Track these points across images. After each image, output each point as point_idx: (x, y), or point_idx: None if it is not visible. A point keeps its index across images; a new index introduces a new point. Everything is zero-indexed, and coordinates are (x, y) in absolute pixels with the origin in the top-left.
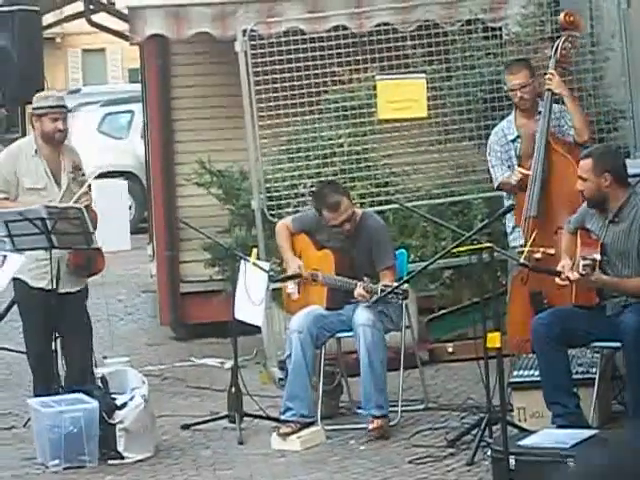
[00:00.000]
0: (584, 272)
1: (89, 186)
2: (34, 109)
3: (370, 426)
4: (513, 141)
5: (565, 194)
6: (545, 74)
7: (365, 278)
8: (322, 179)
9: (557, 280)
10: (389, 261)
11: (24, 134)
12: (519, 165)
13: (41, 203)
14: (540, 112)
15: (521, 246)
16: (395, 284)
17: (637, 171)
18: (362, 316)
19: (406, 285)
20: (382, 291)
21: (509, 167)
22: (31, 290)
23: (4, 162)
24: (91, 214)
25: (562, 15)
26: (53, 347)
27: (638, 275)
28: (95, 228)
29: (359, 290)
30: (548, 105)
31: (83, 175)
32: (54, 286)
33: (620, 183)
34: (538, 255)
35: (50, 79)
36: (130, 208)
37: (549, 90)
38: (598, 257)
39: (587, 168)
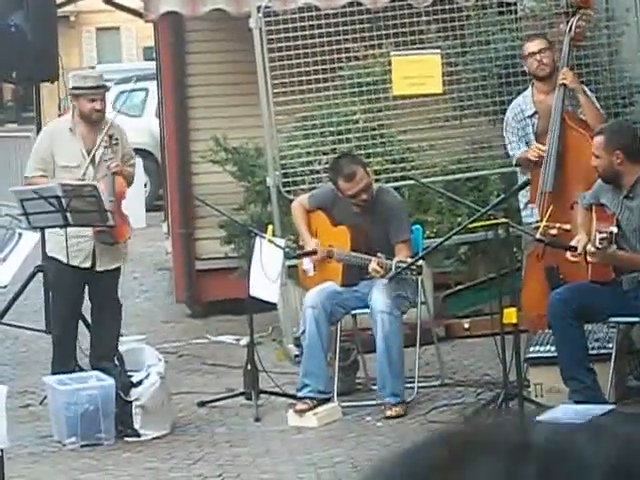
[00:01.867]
0: (601, 245)
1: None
2: (72, 89)
3: (387, 413)
4: (531, 117)
5: (580, 170)
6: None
7: (379, 254)
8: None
9: (568, 254)
10: (404, 235)
11: (39, 113)
12: (537, 141)
13: (57, 182)
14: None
15: (535, 222)
16: (410, 260)
17: None
18: (380, 302)
19: (420, 261)
20: (397, 267)
21: (526, 143)
22: (64, 267)
23: (41, 140)
24: (117, 181)
25: None
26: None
27: None
28: (122, 197)
29: (373, 265)
30: (562, 87)
31: (116, 144)
32: (87, 264)
33: (633, 159)
34: (554, 231)
35: (64, 58)
36: (145, 186)
37: (563, 85)
38: (615, 230)
39: (599, 145)
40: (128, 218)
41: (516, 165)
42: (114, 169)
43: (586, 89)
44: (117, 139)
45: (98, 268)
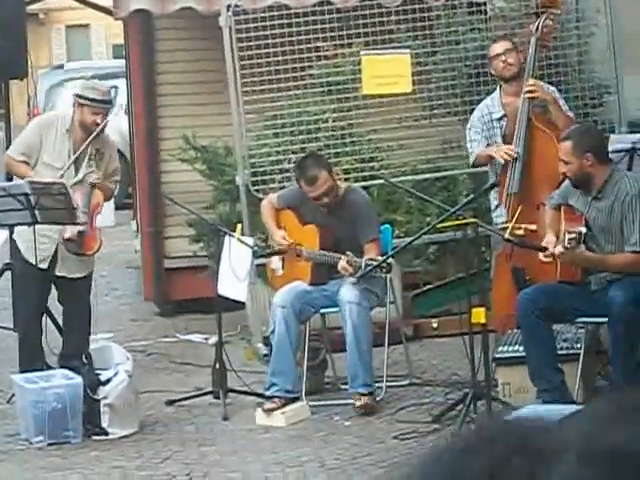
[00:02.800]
0: (569, 245)
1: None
2: (78, 95)
3: (357, 403)
4: (499, 120)
5: (547, 171)
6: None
7: (348, 252)
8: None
9: (540, 255)
10: (373, 234)
11: (8, 110)
12: (505, 144)
13: (25, 179)
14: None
15: (504, 222)
16: (380, 258)
17: (622, 146)
18: (348, 294)
19: (390, 259)
20: (367, 265)
21: (488, 145)
22: (26, 265)
23: (33, 128)
24: (95, 192)
25: None
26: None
27: (621, 251)
28: (97, 210)
29: (342, 263)
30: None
31: (101, 160)
32: (45, 265)
33: (602, 161)
34: (521, 232)
35: (34, 55)
36: None
37: (531, 98)
38: (584, 230)
39: (568, 150)
40: (99, 232)
41: (473, 165)
42: (93, 181)
43: (556, 95)
44: (103, 153)
45: (57, 272)
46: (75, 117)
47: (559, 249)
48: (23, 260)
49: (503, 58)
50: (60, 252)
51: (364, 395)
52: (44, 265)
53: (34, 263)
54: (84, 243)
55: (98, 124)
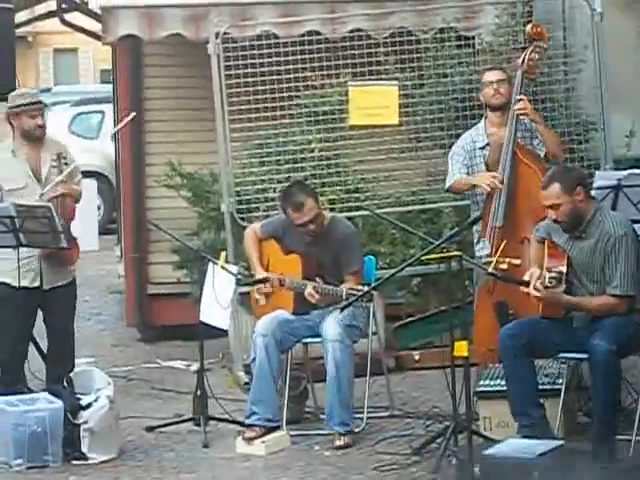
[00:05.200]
0: (550, 285)
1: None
2: (11, 108)
3: (336, 443)
4: (482, 148)
5: (531, 205)
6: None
7: (317, 279)
8: None
9: (522, 289)
10: (356, 266)
11: None
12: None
13: (10, 202)
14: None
15: (487, 256)
16: (361, 287)
17: (607, 183)
18: (332, 331)
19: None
20: (348, 295)
21: (467, 173)
22: (11, 290)
23: None
24: (66, 203)
25: (529, 26)
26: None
27: (602, 290)
28: (71, 219)
29: (309, 289)
30: (514, 118)
31: (66, 164)
32: (36, 283)
33: (589, 196)
34: (504, 265)
35: (21, 78)
36: (99, 208)
37: (520, 115)
38: (564, 270)
39: (556, 192)
40: (77, 240)
41: (447, 190)
42: (62, 190)
43: (543, 119)
44: (65, 157)
45: (45, 286)
46: (16, 133)
47: (538, 286)
48: (5, 286)
49: (495, 86)
50: (44, 266)
51: (342, 435)
52: (36, 283)
53: (24, 285)
54: (64, 254)
55: (40, 125)
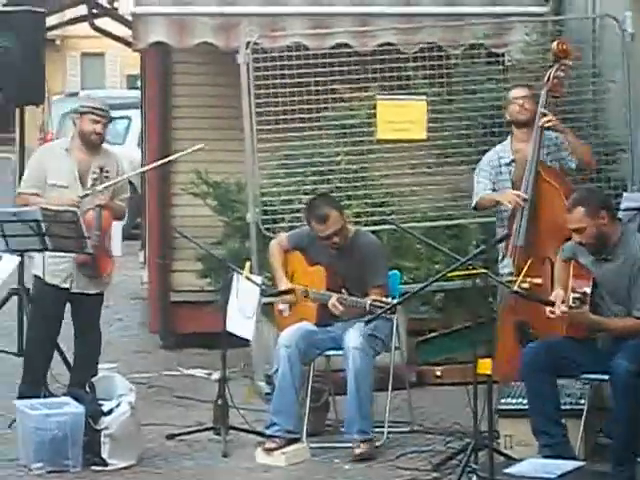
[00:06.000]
0: (574, 305)
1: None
2: (79, 107)
3: (356, 451)
4: (508, 164)
5: (553, 224)
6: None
7: (343, 290)
8: None
9: (547, 310)
10: (380, 280)
11: (22, 135)
12: (513, 189)
13: (38, 206)
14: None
15: (510, 274)
16: (385, 300)
17: (634, 205)
18: (353, 339)
19: (393, 301)
20: (372, 306)
21: (493, 190)
22: (45, 286)
23: (35, 158)
24: (104, 214)
25: (555, 44)
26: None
27: (628, 312)
28: (107, 230)
29: (332, 301)
30: (538, 136)
31: (107, 177)
32: (66, 284)
33: (614, 218)
34: (526, 285)
35: (48, 81)
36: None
37: (543, 128)
38: (588, 291)
39: (580, 216)
40: (112, 253)
41: (474, 207)
42: (99, 202)
43: (568, 128)
44: (108, 171)
45: (74, 289)
46: (76, 132)
47: (563, 309)
48: (40, 280)
49: (520, 102)
50: (75, 269)
51: (362, 442)
52: (67, 284)
53: (54, 283)
54: (98, 266)
55: (98, 133)
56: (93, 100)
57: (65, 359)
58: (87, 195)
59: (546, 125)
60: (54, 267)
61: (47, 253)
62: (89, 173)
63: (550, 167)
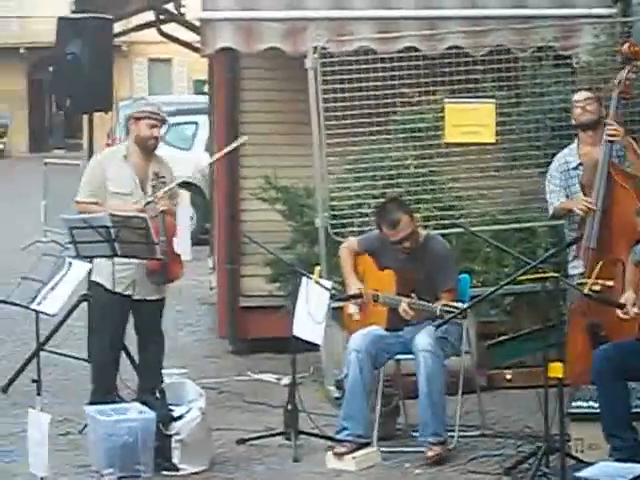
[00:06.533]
0: None
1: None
2: (134, 112)
3: (429, 453)
4: (575, 168)
5: (625, 226)
6: (607, 125)
7: (413, 295)
8: None
9: (618, 312)
10: (450, 283)
11: (91, 142)
12: (583, 193)
13: (106, 212)
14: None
15: (580, 275)
16: (455, 304)
17: None
18: (423, 341)
19: (463, 305)
20: (442, 311)
21: (567, 196)
22: (107, 294)
23: (93, 167)
24: (167, 219)
25: (626, 46)
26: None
27: None
28: (174, 235)
29: (403, 306)
30: (609, 147)
31: (163, 183)
32: (129, 292)
33: None
34: (597, 287)
35: (116, 87)
36: (191, 219)
37: (611, 141)
38: None
39: None
40: (180, 256)
41: (552, 216)
42: (162, 208)
43: (635, 146)
44: (164, 177)
45: (136, 296)
46: (132, 138)
47: (635, 310)
48: (103, 288)
49: (582, 105)
50: (138, 276)
51: (435, 445)
52: (130, 291)
53: (118, 291)
54: (169, 272)
55: (155, 137)
56: (148, 104)
57: (134, 364)
58: (149, 202)
59: (609, 139)
60: (117, 275)
61: (113, 260)
62: (148, 179)
63: (622, 169)
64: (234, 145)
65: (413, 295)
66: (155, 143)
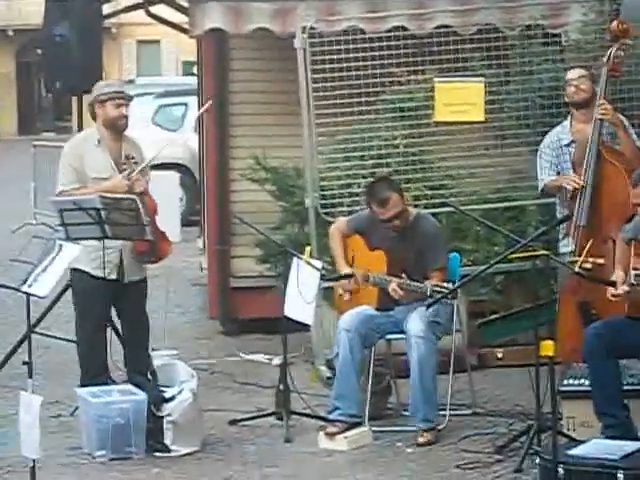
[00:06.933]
0: (635, 282)
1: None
2: (97, 96)
3: (420, 440)
4: (567, 145)
5: (615, 204)
6: (598, 104)
7: (403, 275)
8: None
9: (609, 290)
10: (440, 262)
11: (80, 124)
12: (574, 170)
13: (96, 193)
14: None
15: (571, 253)
16: (445, 285)
17: None
18: (416, 327)
19: (453, 286)
20: (433, 291)
21: (557, 173)
22: (92, 280)
23: (70, 153)
24: (146, 199)
25: (614, 23)
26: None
27: None
28: (155, 214)
29: (393, 286)
30: (599, 125)
31: (135, 164)
32: (115, 275)
33: None
34: (588, 265)
35: (105, 69)
36: (181, 200)
37: (602, 120)
38: None
39: None
40: (166, 234)
41: (541, 191)
42: (139, 189)
43: (626, 123)
44: (134, 157)
45: (125, 280)
46: (100, 122)
47: (624, 288)
48: (84, 274)
49: (576, 83)
50: (125, 260)
51: (426, 431)
52: (114, 276)
53: (102, 276)
54: (158, 249)
55: (124, 116)
56: (109, 85)
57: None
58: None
59: (600, 118)
60: (100, 260)
61: (92, 246)
62: (121, 161)
63: (612, 147)
64: (201, 111)
65: (404, 275)
66: (125, 122)
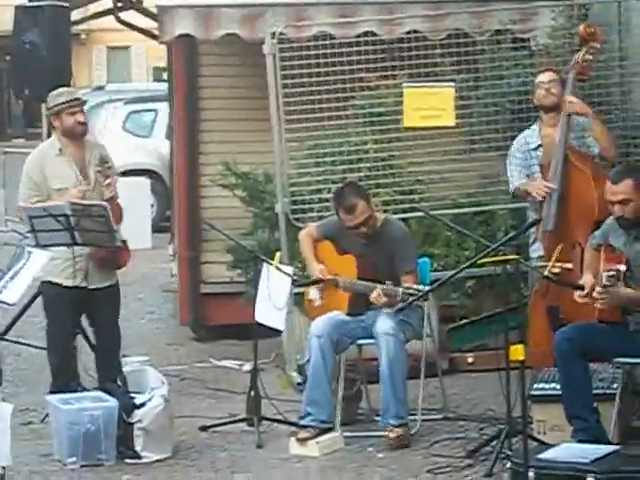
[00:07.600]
0: (608, 283)
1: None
2: (50, 108)
3: (390, 435)
4: (535, 149)
5: (582, 209)
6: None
7: (387, 282)
8: None
9: (576, 295)
10: (410, 265)
11: (50, 131)
12: (541, 173)
13: (66, 200)
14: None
15: (540, 257)
16: (417, 287)
17: None
18: (384, 325)
19: (425, 288)
20: (404, 294)
21: (527, 175)
22: (61, 288)
23: (31, 166)
24: (114, 206)
25: (582, 27)
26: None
27: None
28: (120, 221)
29: (375, 294)
30: (565, 122)
31: (109, 168)
32: (84, 283)
33: None
34: (556, 270)
35: (75, 76)
36: (152, 206)
37: (569, 115)
38: (623, 268)
39: (629, 189)
40: (127, 243)
41: (513, 195)
42: (109, 195)
43: (594, 113)
44: (107, 162)
45: (90, 286)
46: (59, 133)
47: (598, 289)
48: (54, 285)
49: (547, 86)
50: (90, 266)
51: (396, 427)
52: (84, 283)
53: (72, 285)
54: (118, 258)
55: (81, 122)
56: (60, 94)
57: (93, 346)
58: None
59: (569, 111)
60: (72, 268)
61: (64, 255)
62: (89, 165)
63: (579, 151)
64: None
65: (388, 282)
66: (84, 128)
